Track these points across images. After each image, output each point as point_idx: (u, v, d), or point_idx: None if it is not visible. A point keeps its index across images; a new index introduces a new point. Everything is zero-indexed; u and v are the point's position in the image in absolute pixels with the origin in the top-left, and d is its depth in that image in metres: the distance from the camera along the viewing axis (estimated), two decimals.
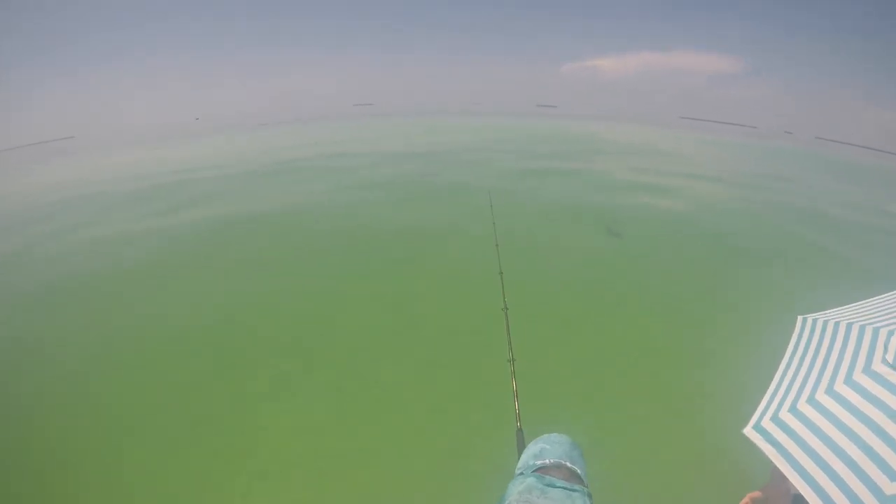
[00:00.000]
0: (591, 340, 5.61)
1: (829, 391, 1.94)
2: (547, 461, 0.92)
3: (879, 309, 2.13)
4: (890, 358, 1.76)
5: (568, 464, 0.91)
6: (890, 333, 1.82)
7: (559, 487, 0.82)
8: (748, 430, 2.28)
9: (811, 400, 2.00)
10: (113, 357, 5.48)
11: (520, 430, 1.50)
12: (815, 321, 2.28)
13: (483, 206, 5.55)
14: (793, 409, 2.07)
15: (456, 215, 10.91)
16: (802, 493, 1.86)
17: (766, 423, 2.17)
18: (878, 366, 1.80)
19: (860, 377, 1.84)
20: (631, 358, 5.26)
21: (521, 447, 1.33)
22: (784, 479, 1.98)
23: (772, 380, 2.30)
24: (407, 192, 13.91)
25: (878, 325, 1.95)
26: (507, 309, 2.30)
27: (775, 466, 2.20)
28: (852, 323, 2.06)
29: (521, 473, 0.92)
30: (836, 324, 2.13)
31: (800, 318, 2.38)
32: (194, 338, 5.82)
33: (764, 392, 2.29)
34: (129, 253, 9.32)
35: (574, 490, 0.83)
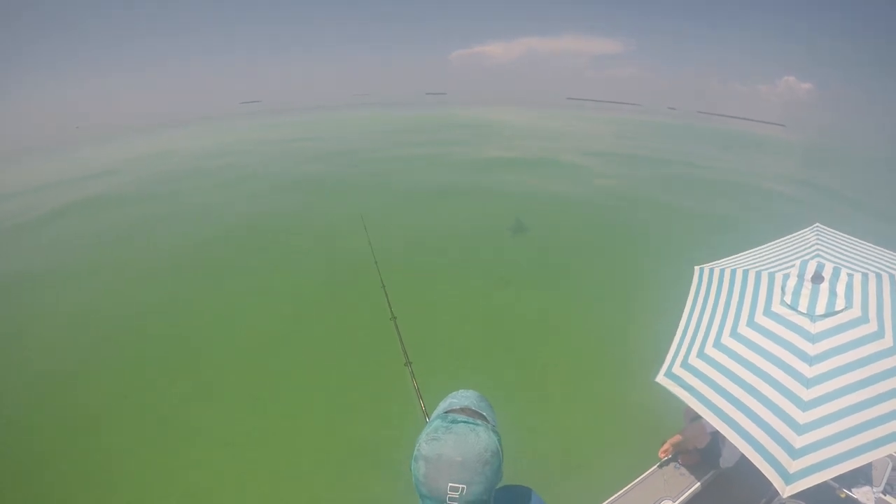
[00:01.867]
0: (493, 328, 5.61)
1: (734, 334, 2.07)
2: (455, 408, 0.94)
3: (768, 256, 2.38)
4: (788, 299, 1.92)
5: (473, 407, 0.93)
6: (785, 277, 2.00)
7: (462, 422, 0.86)
8: (660, 378, 2.37)
9: (717, 344, 2.13)
10: None
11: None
12: (711, 270, 2.46)
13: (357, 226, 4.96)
14: (701, 354, 2.19)
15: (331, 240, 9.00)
16: (720, 430, 1.97)
17: (677, 370, 2.27)
18: (776, 307, 1.97)
19: (762, 319, 2.00)
20: (538, 336, 5.40)
21: None
22: (699, 419, 2.10)
23: (676, 330, 2.44)
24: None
25: (771, 269, 2.15)
26: (395, 318, 2.33)
27: (688, 409, 2.34)
28: (748, 269, 2.25)
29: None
30: (733, 271, 2.31)
31: (696, 268, 2.56)
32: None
33: (670, 343, 2.42)
34: None
35: (477, 424, 0.86)
